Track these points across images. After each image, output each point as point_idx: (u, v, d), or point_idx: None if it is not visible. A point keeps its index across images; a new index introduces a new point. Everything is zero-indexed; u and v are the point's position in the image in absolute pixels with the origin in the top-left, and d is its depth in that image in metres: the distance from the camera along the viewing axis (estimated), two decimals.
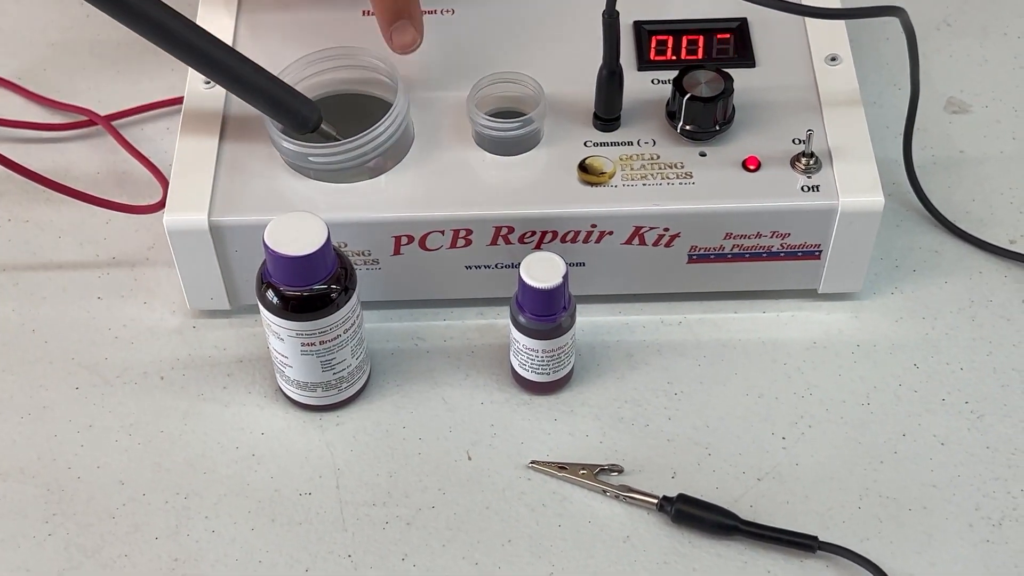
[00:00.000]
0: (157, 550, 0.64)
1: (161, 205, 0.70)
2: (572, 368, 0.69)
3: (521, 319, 0.65)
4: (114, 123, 0.80)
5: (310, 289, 0.63)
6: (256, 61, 0.69)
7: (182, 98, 0.72)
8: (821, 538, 0.63)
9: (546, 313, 0.65)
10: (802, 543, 0.63)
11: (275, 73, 0.68)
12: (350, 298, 0.64)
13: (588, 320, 0.71)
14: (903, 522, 0.64)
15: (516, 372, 0.68)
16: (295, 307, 0.63)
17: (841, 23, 0.74)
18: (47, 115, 0.81)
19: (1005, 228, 0.75)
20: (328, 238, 0.62)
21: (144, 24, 0.62)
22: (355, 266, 0.68)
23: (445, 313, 0.72)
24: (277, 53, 0.72)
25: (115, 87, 0.82)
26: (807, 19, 0.73)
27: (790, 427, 0.67)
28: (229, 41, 0.73)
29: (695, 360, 0.70)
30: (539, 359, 0.67)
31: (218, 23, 0.74)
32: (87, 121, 0.81)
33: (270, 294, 0.63)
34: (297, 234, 0.62)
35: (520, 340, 0.66)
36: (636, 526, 0.64)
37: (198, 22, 0.74)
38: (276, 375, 0.68)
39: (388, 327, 0.72)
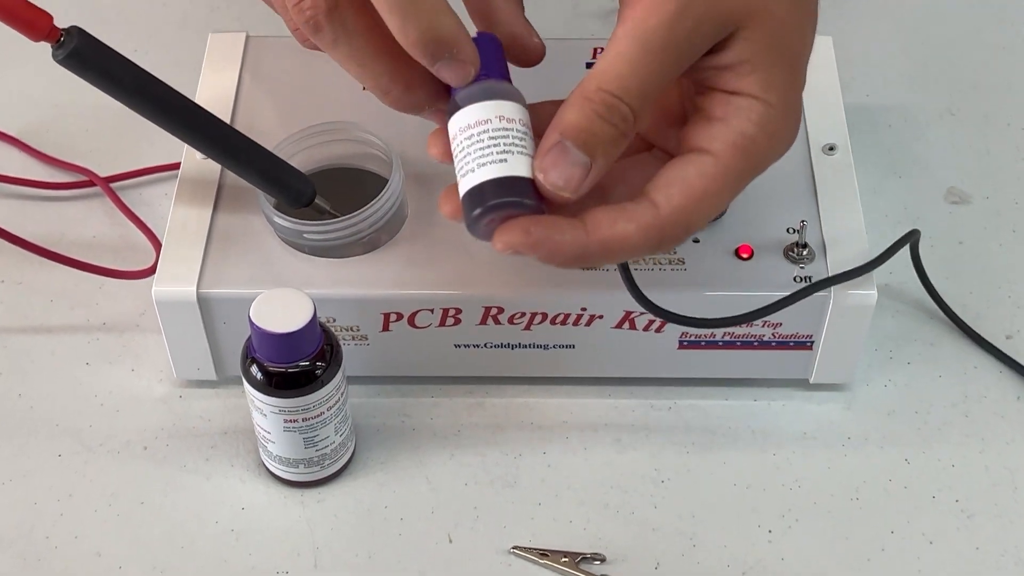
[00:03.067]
0: None
1: (151, 271, 0.70)
2: None
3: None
4: (113, 185, 0.81)
5: (295, 366, 0.63)
6: (255, 134, 0.69)
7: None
8: None
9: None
10: None
11: (270, 148, 0.68)
12: (335, 375, 0.64)
13: (576, 402, 0.71)
14: None
15: None
16: (279, 383, 0.63)
17: (840, 110, 0.74)
18: (48, 173, 0.82)
19: (1001, 322, 0.74)
20: (314, 315, 0.62)
21: (137, 99, 0.62)
22: (343, 341, 0.68)
23: (433, 390, 0.72)
24: (275, 127, 0.72)
25: (116, 150, 0.82)
26: (806, 108, 0.73)
27: (777, 520, 0.67)
28: (228, 114, 0.74)
29: (683, 447, 0.69)
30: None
31: (218, 97, 0.74)
32: (87, 182, 0.81)
33: (254, 369, 0.63)
34: (283, 310, 0.61)
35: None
36: None
37: (198, 95, 0.75)
38: (259, 449, 0.67)
39: (375, 402, 0.71)
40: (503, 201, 0.53)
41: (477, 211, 0.54)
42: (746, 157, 0.54)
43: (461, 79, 0.54)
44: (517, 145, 0.54)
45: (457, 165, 0.55)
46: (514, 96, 0.55)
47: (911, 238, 0.70)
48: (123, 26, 0.90)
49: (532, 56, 0.59)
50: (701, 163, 0.54)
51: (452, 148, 0.55)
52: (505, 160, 0.54)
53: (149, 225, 0.78)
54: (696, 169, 0.54)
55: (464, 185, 0.54)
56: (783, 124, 0.55)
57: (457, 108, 0.55)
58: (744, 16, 0.54)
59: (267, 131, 0.72)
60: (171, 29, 0.90)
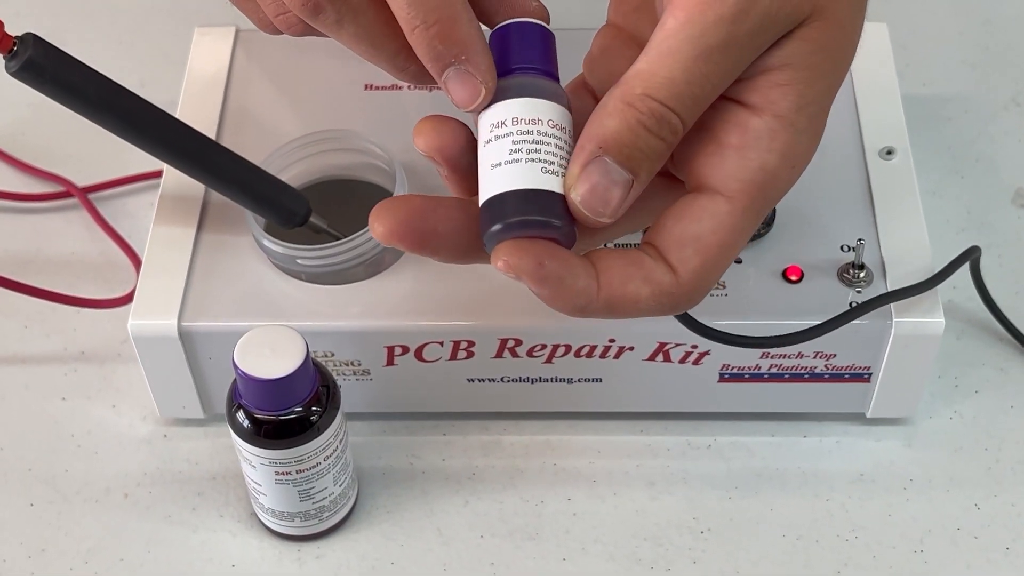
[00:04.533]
0: None
1: (130, 298, 0.63)
2: None
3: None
4: (95, 195, 0.73)
5: (287, 413, 0.56)
6: (244, 141, 0.62)
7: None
8: None
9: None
10: None
11: (260, 159, 0.61)
12: (332, 421, 0.57)
13: (604, 440, 0.64)
14: None
15: None
16: (269, 433, 0.56)
17: (898, 108, 0.66)
18: (23, 182, 0.75)
19: None
20: (307, 356, 0.55)
21: (103, 114, 0.55)
22: (343, 377, 0.61)
23: (445, 426, 0.64)
24: (267, 132, 0.65)
25: (98, 155, 0.75)
26: (860, 107, 0.65)
27: (832, 575, 0.59)
28: (215, 118, 0.66)
29: (725, 492, 0.62)
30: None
31: (204, 98, 0.67)
32: (64, 192, 0.74)
33: (240, 416, 0.56)
34: (271, 351, 0.54)
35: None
36: None
37: (182, 96, 0.67)
38: (251, 499, 0.60)
39: (380, 441, 0.64)
40: (529, 219, 0.45)
41: (497, 226, 0.45)
42: (765, 194, 0.46)
43: (469, 98, 0.46)
44: (562, 156, 0.45)
45: (481, 166, 0.46)
46: (564, 99, 0.47)
47: (970, 256, 0.63)
48: (108, 16, 0.82)
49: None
50: (716, 214, 0.45)
51: (479, 145, 0.47)
52: (560, 174, 0.45)
53: (133, 240, 0.71)
54: (711, 223, 0.45)
55: (488, 190, 0.46)
56: (807, 150, 0.46)
57: (496, 100, 0.46)
58: (810, 12, 0.45)
59: (258, 137, 0.65)
60: (159, 20, 0.82)
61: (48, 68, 0.53)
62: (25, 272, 0.69)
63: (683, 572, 0.59)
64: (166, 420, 0.65)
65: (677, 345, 0.60)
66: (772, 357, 0.60)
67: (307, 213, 0.61)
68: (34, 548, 0.61)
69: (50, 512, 0.62)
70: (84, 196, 0.73)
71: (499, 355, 0.60)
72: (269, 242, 0.60)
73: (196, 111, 0.67)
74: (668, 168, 0.48)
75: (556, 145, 0.45)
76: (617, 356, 0.60)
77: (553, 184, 0.45)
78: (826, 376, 0.61)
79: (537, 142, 0.45)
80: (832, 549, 0.60)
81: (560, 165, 0.45)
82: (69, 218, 0.73)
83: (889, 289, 0.59)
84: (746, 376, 0.61)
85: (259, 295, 0.60)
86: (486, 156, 0.46)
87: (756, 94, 0.46)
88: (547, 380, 0.62)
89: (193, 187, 0.63)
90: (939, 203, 0.72)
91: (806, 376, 0.61)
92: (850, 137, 0.65)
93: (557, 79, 0.47)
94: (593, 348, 0.60)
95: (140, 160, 0.73)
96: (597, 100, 0.46)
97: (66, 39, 0.80)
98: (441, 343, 0.60)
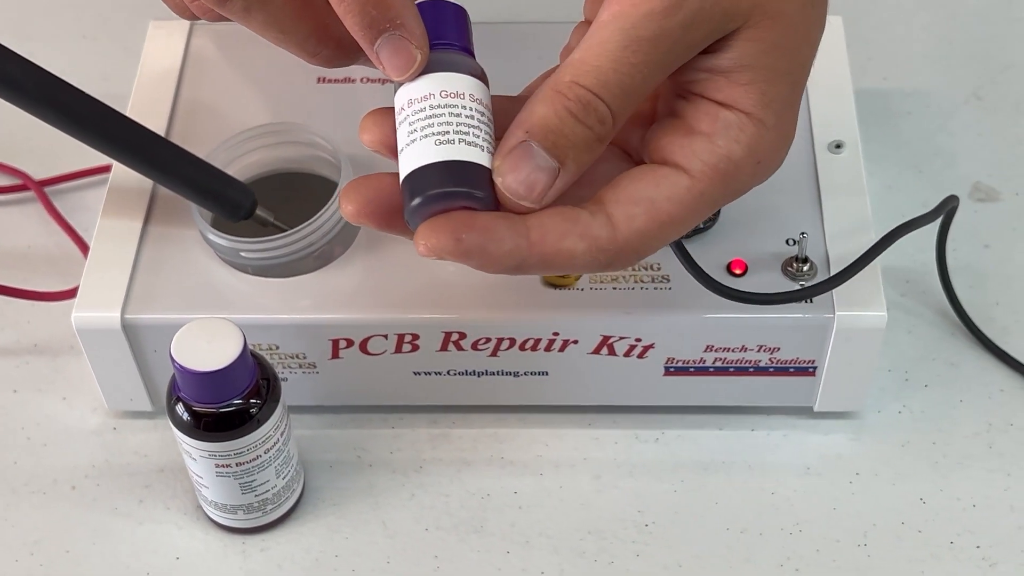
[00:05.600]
0: None
1: (74, 292, 0.63)
2: None
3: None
4: (51, 188, 0.74)
5: (225, 405, 0.56)
6: (196, 135, 0.62)
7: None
8: None
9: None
10: None
11: (206, 152, 0.61)
12: (272, 414, 0.57)
13: (551, 433, 0.63)
14: None
15: None
16: (208, 425, 0.56)
17: (850, 102, 0.65)
18: None
19: None
20: (244, 348, 0.55)
21: (42, 107, 0.55)
22: (288, 370, 0.61)
23: (394, 420, 0.64)
24: (220, 126, 0.65)
25: (57, 149, 0.74)
26: (811, 100, 0.65)
27: (775, 569, 0.59)
28: (166, 113, 0.66)
29: (671, 485, 0.62)
30: None
31: (157, 93, 0.67)
32: (20, 185, 0.74)
33: (180, 409, 0.56)
34: (208, 344, 0.54)
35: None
36: None
37: (135, 92, 0.67)
38: (196, 492, 0.61)
39: (327, 435, 0.64)
40: (450, 191, 0.45)
41: (417, 200, 0.45)
42: (726, 183, 0.47)
43: (405, 65, 0.46)
44: (476, 128, 0.46)
45: (399, 144, 0.47)
46: (477, 73, 0.48)
47: (948, 205, 0.62)
48: (71, 11, 0.82)
49: None
50: (675, 185, 0.46)
51: (397, 124, 0.47)
52: (458, 142, 0.45)
53: (88, 234, 0.71)
54: (668, 192, 0.46)
55: (406, 166, 0.46)
56: (774, 148, 0.47)
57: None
58: (750, 12, 0.46)
59: (210, 130, 0.65)
60: (121, 14, 0.82)
61: None
62: None
63: (625, 565, 0.59)
64: (116, 413, 0.65)
65: (621, 339, 0.60)
66: (716, 351, 0.60)
67: (253, 206, 0.61)
68: None
69: None
70: (40, 189, 0.73)
71: (444, 348, 0.60)
72: (213, 235, 0.60)
73: (148, 104, 0.67)
74: (640, 155, 0.49)
75: (451, 114, 0.45)
76: (562, 349, 0.60)
77: (453, 152, 0.45)
78: (771, 370, 0.61)
79: (430, 116, 0.46)
80: (776, 542, 0.60)
81: (457, 131, 0.45)
82: (25, 211, 0.73)
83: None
84: (691, 370, 0.61)
85: (204, 288, 0.60)
86: (404, 132, 0.46)
87: (723, 93, 0.47)
88: (494, 373, 0.62)
89: (141, 180, 0.63)
90: (895, 197, 0.71)
91: (751, 370, 0.61)
92: (799, 130, 0.63)
93: (466, 50, 0.47)
94: (537, 341, 0.60)
95: (97, 154, 0.74)
96: None
97: (30, 34, 0.81)
98: (385, 336, 0.60)
